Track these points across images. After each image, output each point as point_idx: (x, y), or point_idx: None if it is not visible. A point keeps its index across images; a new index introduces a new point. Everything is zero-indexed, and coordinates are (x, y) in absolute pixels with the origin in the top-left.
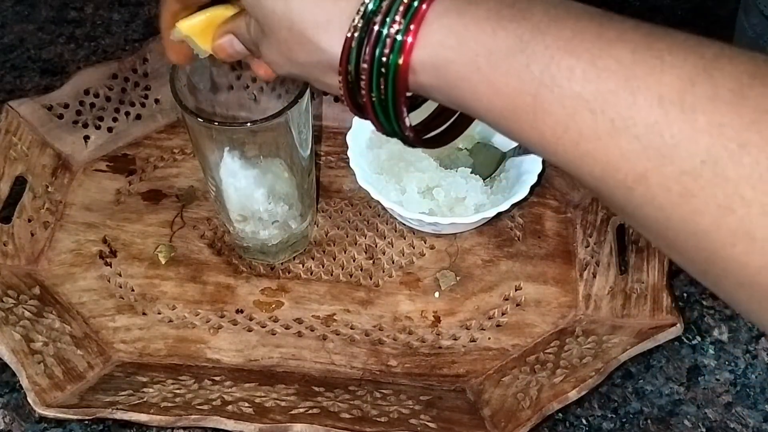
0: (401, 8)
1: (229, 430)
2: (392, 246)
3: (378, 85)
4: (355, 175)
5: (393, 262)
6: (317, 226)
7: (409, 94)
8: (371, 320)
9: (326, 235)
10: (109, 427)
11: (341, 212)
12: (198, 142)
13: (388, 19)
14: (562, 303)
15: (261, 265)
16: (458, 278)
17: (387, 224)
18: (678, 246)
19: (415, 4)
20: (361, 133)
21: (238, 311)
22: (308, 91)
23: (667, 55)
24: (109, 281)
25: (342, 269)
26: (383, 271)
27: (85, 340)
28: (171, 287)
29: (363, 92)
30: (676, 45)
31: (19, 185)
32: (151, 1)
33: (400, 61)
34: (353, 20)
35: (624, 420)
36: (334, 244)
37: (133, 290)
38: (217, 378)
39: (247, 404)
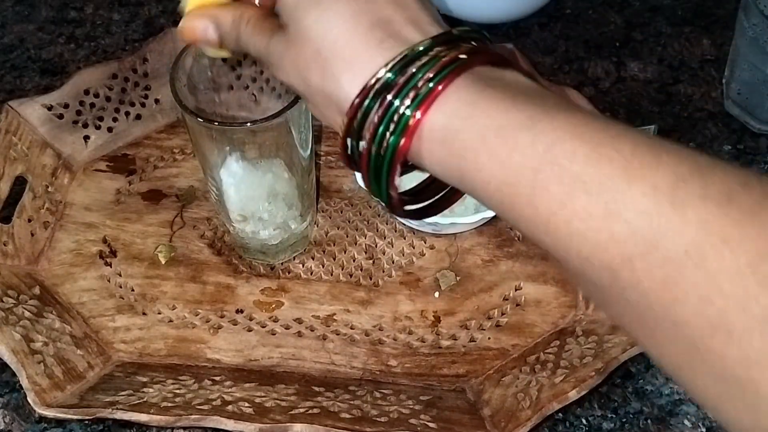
0: (420, 84)
1: (229, 430)
2: (392, 246)
3: (381, 141)
4: (355, 175)
5: (393, 262)
6: (317, 226)
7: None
8: (371, 320)
9: (326, 235)
10: (109, 427)
11: (341, 212)
12: (198, 142)
13: (406, 89)
14: (562, 303)
15: (261, 265)
16: (458, 278)
17: (387, 224)
18: (657, 335)
19: (431, 85)
20: None
21: (238, 311)
22: None
23: (665, 154)
24: (109, 281)
25: (342, 269)
26: (383, 271)
27: (85, 340)
28: (171, 287)
29: (362, 142)
30: (676, 149)
31: (19, 185)
32: (151, 1)
33: (411, 122)
34: (378, 72)
35: (624, 420)
36: (334, 244)
37: (133, 290)
38: (217, 378)
39: (247, 404)
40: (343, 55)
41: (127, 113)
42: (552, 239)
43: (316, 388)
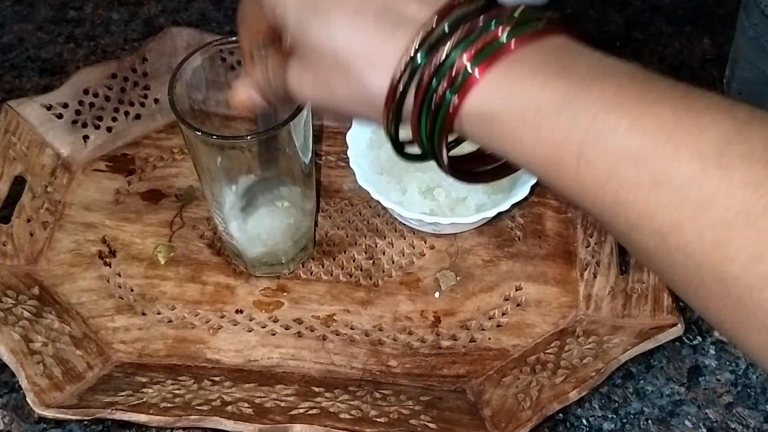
0: (455, 67)
1: (228, 430)
2: (392, 246)
3: (424, 124)
4: (355, 175)
5: (393, 262)
6: (317, 226)
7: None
8: (371, 320)
9: (326, 236)
10: (109, 428)
11: (341, 212)
12: (199, 156)
13: (437, 76)
14: (562, 303)
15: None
16: (458, 278)
17: (387, 224)
18: (703, 292)
19: (469, 70)
20: (361, 133)
21: (237, 311)
22: None
23: (705, 115)
24: (108, 281)
25: (342, 269)
26: (383, 272)
27: (85, 341)
28: (170, 287)
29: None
30: (713, 106)
31: (18, 185)
32: (151, 0)
33: (451, 110)
34: (400, 66)
35: (624, 420)
36: (334, 245)
37: (132, 290)
38: (217, 378)
39: (246, 405)
40: (361, 54)
41: (127, 113)
42: (599, 209)
43: (316, 389)
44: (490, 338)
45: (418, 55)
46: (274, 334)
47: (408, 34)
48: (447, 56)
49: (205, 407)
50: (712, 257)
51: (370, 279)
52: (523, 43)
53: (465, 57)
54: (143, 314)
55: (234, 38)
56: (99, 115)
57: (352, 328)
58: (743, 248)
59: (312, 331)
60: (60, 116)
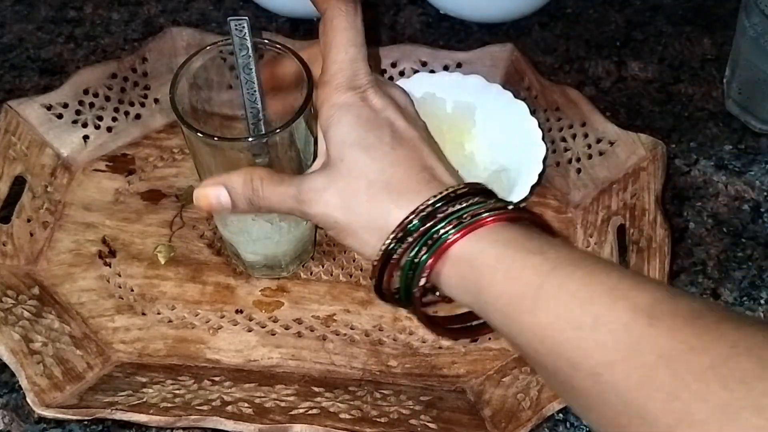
0: (466, 216)
1: (228, 430)
2: None
3: (415, 254)
4: None
5: None
6: (318, 228)
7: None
8: (371, 320)
9: (326, 236)
10: (109, 428)
11: None
12: (199, 156)
13: (450, 218)
14: None
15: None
16: None
17: None
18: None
19: (483, 215)
20: None
21: (237, 311)
22: (311, 100)
23: (645, 283)
24: (108, 281)
25: (342, 269)
26: None
27: (85, 341)
28: (170, 287)
29: (395, 257)
30: (653, 281)
31: (18, 185)
32: (151, 0)
33: (446, 243)
34: (428, 200)
35: None
36: (334, 245)
37: (132, 290)
38: (217, 378)
39: (246, 405)
40: (396, 189)
41: (127, 113)
42: (547, 347)
43: (316, 389)
44: (490, 338)
45: (440, 203)
46: (274, 334)
47: (439, 188)
48: (461, 209)
49: (205, 407)
50: (637, 396)
51: (371, 279)
52: (523, 218)
53: (480, 210)
54: (143, 314)
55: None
56: (99, 115)
57: (352, 328)
58: (662, 387)
59: (312, 331)
60: (60, 116)
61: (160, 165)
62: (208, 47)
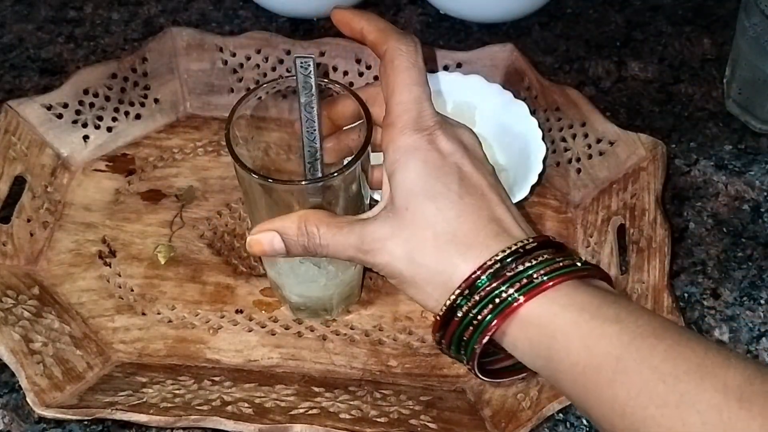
0: (535, 276)
1: (228, 430)
2: None
3: (480, 312)
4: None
5: None
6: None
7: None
8: (371, 320)
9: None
10: (109, 428)
11: None
12: (250, 194)
13: (516, 277)
14: None
15: (261, 265)
16: None
17: None
18: None
19: (545, 278)
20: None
21: (237, 311)
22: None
23: (733, 358)
24: (108, 281)
25: None
26: None
27: (85, 341)
28: (170, 287)
29: (460, 314)
30: (741, 355)
31: (18, 185)
32: (151, 0)
33: (513, 305)
34: (496, 255)
35: None
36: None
37: (132, 290)
38: (217, 378)
39: (246, 405)
40: (463, 242)
41: (127, 113)
42: (626, 423)
43: (316, 389)
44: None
45: (509, 258)
46: (274, 334)
47: (507, 242)
48: (527, 267)
49: (205, 407)
50: None
51: (370, 279)
52: (591, 275)
53: (543, 271)
54: (143, 314)
55: (289, 76)
56: (99, 115)
57: (352, 328)
58: None
59: (312, 331)
60: (60, 116)
61: (160, 165)
62: (262, 86)
